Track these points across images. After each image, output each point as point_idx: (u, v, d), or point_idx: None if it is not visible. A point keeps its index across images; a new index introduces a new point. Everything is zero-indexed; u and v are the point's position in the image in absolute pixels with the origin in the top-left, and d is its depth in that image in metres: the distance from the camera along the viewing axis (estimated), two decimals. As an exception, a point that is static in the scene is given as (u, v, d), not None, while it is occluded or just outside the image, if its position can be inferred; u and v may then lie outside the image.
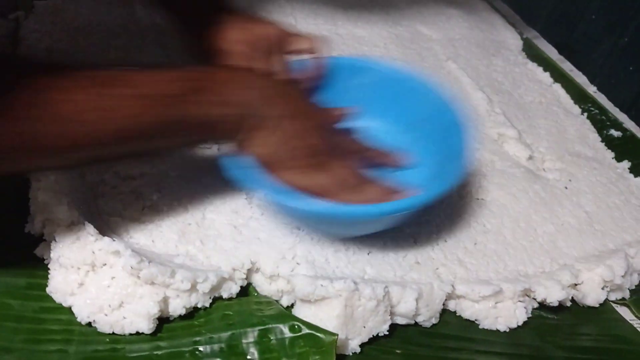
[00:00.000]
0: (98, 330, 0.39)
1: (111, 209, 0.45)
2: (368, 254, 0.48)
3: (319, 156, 0.44)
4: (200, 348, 0.40)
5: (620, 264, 0.51)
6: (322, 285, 0.42)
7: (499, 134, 0.65)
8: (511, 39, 0.86)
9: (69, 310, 0.40)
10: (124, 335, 0.39)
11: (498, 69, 0.77)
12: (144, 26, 0.65)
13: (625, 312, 0.53)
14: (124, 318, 0.39)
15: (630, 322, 0.52)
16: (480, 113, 0.67)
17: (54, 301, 0.40)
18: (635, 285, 0.54)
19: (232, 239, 0.45)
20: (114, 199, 0.46)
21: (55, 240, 0.41)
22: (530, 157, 0.63)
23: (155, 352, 0.39)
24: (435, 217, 0.53)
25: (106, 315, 0.39)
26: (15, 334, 0.38)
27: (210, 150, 0.52)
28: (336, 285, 0.42)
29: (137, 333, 0.40)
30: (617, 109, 0.81)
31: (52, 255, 0.40)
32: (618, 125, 0.75)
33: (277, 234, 0.47)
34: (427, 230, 0.51)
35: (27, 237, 0.43)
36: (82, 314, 0.39)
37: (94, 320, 0.39)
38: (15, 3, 0.65)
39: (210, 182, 0.49)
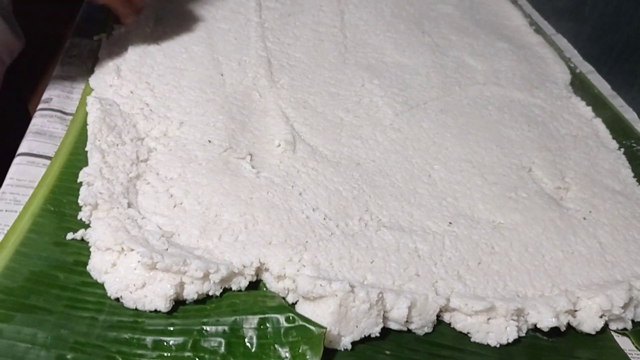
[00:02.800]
0: (124, 305, 0.46)
1: (147, 204, 0.52)
2: (371, 262, 0.52)
3: None
4: (207, 328, 0.46)
5: (621, 295, 0.52)
6: (321, 285, 0.47)
7: (529, 160, 0.67)
8: (559, 73, 0.87)
9: (102, 285, 0.47)
10: (145, 311, 0.46)
11: (538, 102, 0.79)
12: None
13: (625, 342, 0.54)
14: (145, 296, 0.46)
15: (629, 352, 0.53)
16: (510, 137, 0.70)
17: (91, 277, 0.48)
18: (642, 318, 0.55)
19: (246, 240, 0.51)
20: (150, 196, 0.53)
21: (97, 227, 0.48)
22: (557, 187, 0.65)
23: (168, 328, 0.46)
24: (445, 235, 0.56)
25: (131, 292, 0.46)
26: (58, 300, 0.46)
27: (235, 159, 0.59)
28: (334, 285, 0.47)
29: (156, 311, 0.46)
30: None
31: (93, 239, 0.48)
32: (660, 163, 0.75)
33: (288, 241, 0.52)
34: (434, 247, 0.55)
35: (80, 223, 0.51)
36: (112, 290, 0.46)
37: (121, 296, 0.46)
38: (101, 27, 0.75)
39: (232, 187, 0.55)
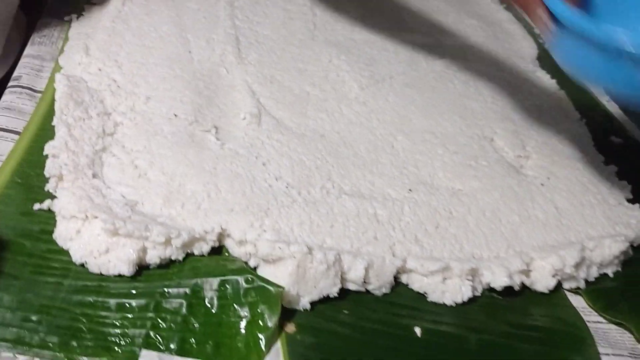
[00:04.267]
0: (89, 270, 0.48)
1: (113, 176, 0.54)
2: (331, 227, 0.54)
3: None
4: (169, 290, 0.48)
5: (573, 255, 0.54)
6: (279, 248, 0.49)
7: (491, 130, 0.69)
8: (527, 48, 0.89)
9: (68, 252, 0.49)
10: (109, 276, 0.48)
11: (504, 75, 0.81)
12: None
13: (579, 300, 0.56)
14: (109, 262, 0.48)
15: (581, 310, 0.55)
16: (474, 109, 0.72)
17: (57, 245, 0.49)
18: (595, 278, 0.57)
19: (208, 208, 0.52)
20: (115, 167, 0.54)
21: (62, 196, 0.50)
22: (517, 156, 0.67)
23: (131, 291, 0.47)
24: (404, 201, 0.58)
25: (95, 258, 0.48)
26: (24, 266, 0.48)
27: (200, 132, 0.60)
28: (292, 248, 0.49)
29: (120, 275, 0.48)
30: (627, 118, 0.82)
31: (58, 208, 0.49)
32: (621, 132, 0.77)
33: (250, 208, 0.53)
34: (393, 212, 0.57)
35: (47, 194, 0.53)
36: (77, 256, 0.48)
37: (85, 262, 0.48)
38: (71, 9, 0.76)
39: (196, 159, 0.56)
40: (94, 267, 0.48)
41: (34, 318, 0.44)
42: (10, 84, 0.64)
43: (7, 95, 0.62)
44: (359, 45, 0.80)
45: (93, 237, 0.48)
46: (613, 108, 0.83)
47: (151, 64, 0.67)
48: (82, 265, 0.48)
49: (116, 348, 0.44)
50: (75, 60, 0.66)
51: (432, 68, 0.79)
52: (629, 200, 0.65)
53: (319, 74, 0.74)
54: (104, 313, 0.46)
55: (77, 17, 0.74)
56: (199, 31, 0.75)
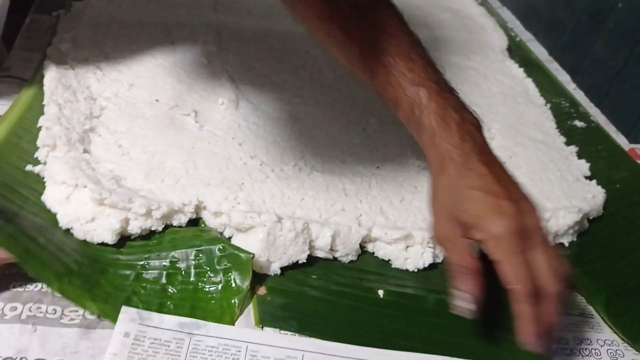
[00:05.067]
0: (74, 235, 0.51)
1: (99, 153, 0.58)
2: (301, 200, 0.58)
3: None
4: (150, 262, 0.51)
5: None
6: (251, 217, 0.53)
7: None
8: (497, 40, 0.93)
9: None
10: (93, 243, 0.51)
11: (473, 65, 0.85)
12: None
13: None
14: (95, 230, 0.51)
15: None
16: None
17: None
18: (551, 246, 0.60)
19: (186, 183, 0.56)
20: (101, 146, 0.58)
21: (54, 163, 0.53)
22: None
23: (115, 261, 0.51)
24: (372, 177, 0.62)
25: (81, 225, 0.51)
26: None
27: (180, 115, 0.64)
28: (262, 217, 0.52)
29: (103, 243, 0.51)
30: (593, 105, 0.87)
31: (48, 172, 0.53)
32: (585, 118, 0.81)
33: (226, 182, 0.57)
34: (361, 187, 0.60)
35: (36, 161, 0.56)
36: (64, 221, 0.51)
37: (72, 227, 0.51)
38: (60, 2, 0.80)
39: (175, 139, 0.60)
40: (79, 232, 0.51)
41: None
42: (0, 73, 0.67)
43: (-3, 84, 0.66)
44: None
45: (81, 205, 0.51)
46: (579, 95, 0.88)
47: (135, 53, 0.71)
48: (68, 230, 0.51)
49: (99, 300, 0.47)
50: (63, 51, 0.69)
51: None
52: (587, 177, 0.69)
53: (297, 63, 0.78)
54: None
55: (65, 13, 0.78)
56: (182, 24, 0.79)
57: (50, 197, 0.52)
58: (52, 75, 0.62)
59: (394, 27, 0.54)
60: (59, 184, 0.52)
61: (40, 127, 0.57)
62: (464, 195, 0.48)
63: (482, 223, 0.46)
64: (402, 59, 0.52)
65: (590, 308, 0.57)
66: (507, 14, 1.08)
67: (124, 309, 0.47)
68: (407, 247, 0.56)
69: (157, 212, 0.52)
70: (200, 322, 0.47)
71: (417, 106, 0.51)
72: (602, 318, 0.56)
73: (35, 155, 0.56)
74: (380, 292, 0.54)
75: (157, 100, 0.65)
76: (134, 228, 0.52)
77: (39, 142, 0.56)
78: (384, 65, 0.52)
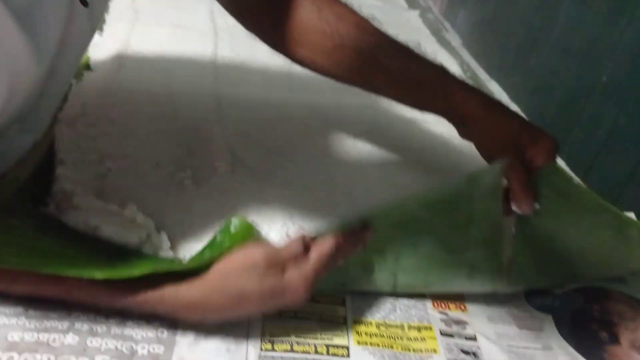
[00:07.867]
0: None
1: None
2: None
3: None
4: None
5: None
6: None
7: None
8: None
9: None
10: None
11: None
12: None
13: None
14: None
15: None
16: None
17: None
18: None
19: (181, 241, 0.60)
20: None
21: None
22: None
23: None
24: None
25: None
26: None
27: (178, 176, 0.69)
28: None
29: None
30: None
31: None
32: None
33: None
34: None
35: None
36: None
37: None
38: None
39: (175, 199, 0.65)
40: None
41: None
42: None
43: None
44: (330, 108, 0.90)
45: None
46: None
47: (141, 119, 0.77)
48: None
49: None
50: (73, 116, 0.75)
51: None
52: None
53: (291, 130, 0.83)
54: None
55: (77, 82, 0.84)
56: (185, 93, 0.85)
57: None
58: (62, 135, 0.68)
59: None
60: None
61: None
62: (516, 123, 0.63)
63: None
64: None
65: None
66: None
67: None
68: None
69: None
70: None
71: (441, 78, 0.65)
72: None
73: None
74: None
75: (157, 164, 0.70)
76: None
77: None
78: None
